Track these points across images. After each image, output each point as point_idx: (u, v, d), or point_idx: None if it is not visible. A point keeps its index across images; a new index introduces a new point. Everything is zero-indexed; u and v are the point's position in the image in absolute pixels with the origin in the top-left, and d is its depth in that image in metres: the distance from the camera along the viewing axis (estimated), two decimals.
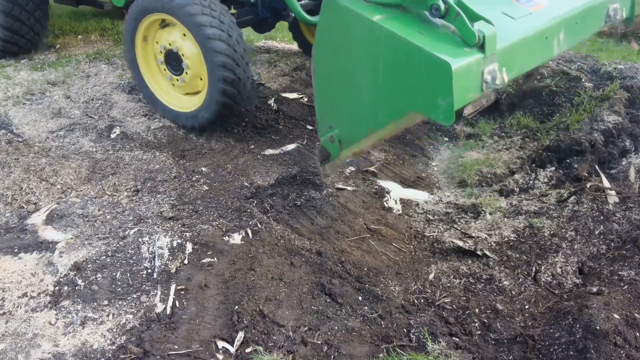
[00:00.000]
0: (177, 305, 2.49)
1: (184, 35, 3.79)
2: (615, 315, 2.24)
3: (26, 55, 5.71)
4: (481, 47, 2.21)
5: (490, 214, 3.28)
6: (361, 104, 2.49)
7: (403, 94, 2.29)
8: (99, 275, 2.66)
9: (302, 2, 4.07)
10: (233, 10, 4.24)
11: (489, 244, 3.00)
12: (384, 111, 2.40)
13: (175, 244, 2.84)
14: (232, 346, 2.29)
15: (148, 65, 4.20)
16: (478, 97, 2.42)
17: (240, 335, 2.32)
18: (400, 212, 3.36)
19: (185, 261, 2.75)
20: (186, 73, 3.91)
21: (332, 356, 2.27)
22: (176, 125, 4.18)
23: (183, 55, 3.85)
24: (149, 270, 2.70)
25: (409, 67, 2.21)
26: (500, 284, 2.71)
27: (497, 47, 2.28)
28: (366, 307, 2.54)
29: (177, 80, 4.03)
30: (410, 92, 2.25)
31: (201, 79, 3.90)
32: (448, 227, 3.20)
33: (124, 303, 2.52)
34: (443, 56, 2.10)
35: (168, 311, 2.46)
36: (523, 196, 3.46)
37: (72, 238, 2.91)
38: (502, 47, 2.32)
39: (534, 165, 3.76)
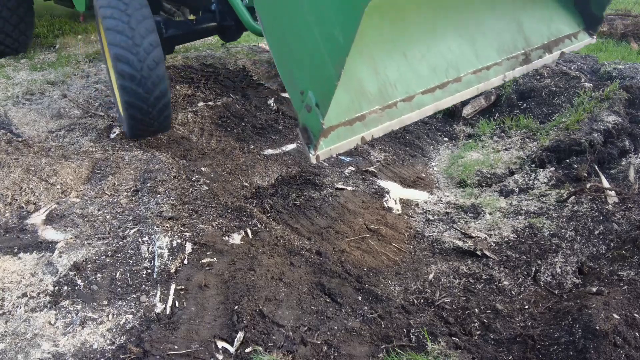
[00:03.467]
0: (177, 305, 2.49)
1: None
2: (615, 316, 2.24)
3: (25, 55, 5.71)
4: None
5: (490, 214, 3.28)
6: (316, 37, 2.04)
7: None
8: (98, 275, 2.66)
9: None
10: (192, 17, 4.02)
11: (489, 244, 3.00)
12: (339, 30, 1.94)
13: (175, 244, 2.84)
14: (232, 346, 2.29)
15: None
16: None
17: (240, 335, 2.32)
18: (400, 212, 3.36)
19: (185, 261, 2.75)
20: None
21: (332, 356, 2.27)
22: None
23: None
24: (149, 270, 2.70)
25: None
26: (500, 284, 2.71)
27: None
28: (366, 307, 2.54)
29: None
30: None
31: None
32: (448, 227, 3.20)
33: (124, 303, 2.52)
34: None
35: (168, 311, 2.46)
36: (523, 196, 3.46)
37: (71, 238, 2.91)
38: None
39: (533, 165, 3.76)
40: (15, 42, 5.59)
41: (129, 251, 2.81)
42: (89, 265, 2.71)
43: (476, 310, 2.54)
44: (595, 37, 3.26)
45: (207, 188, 3.38)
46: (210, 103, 4.66)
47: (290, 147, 4.03)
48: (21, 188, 3.33)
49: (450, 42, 2.67)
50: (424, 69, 2.54)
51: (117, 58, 3.21)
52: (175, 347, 2.27)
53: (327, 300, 2.56)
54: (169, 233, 2.91)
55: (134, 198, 3.28)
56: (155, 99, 3.39)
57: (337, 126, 2.18)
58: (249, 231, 2.95)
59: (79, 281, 2.63)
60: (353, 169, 3.79)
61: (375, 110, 2.29)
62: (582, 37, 3.22)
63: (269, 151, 3.95)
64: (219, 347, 2.29)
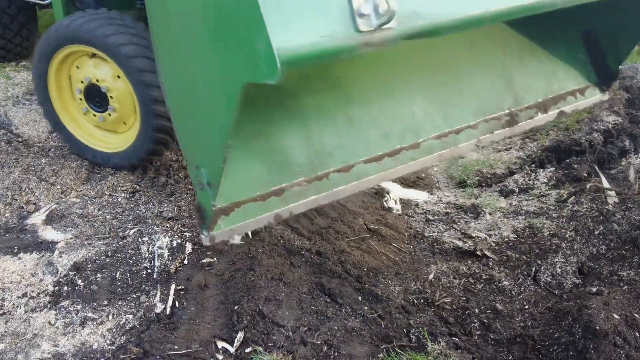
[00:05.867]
0: (177, 305, 2.49)
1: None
2: (615, 316, 2.24)
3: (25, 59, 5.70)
4: None
5: (490, 214, 3.28)
6: (205, 110, 1.76)
7: (224, 56, 1.58)
8: (98, 275, 2.66)
9: None
10: None
11: (489, 244, 3.00)
12: (220, 96, 1.67)
13: (175, 244, 2.84)
14: (232, 346, 2.29)
15: None
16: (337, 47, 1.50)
17: (240, 335, 2.32)
18: (400, 212, 3.36)
19: (185, 261, 2.75)
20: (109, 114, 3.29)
21: (332, 356, 2.27)
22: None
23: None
24: (149, 271, 2.70)
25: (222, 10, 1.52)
26: (500, 284, 2.71)
27: None
28: (366, 307, 2.54)
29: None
30: (230, 50, 1.54)
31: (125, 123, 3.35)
32: (448, 227, 3.20)
33: (124, 303, 2.52)
34: None
35: (168, 311, 2.46)
36: (523, 196, 3.46)
37: (71, 238, 2.91)
38: None
39: (533, 165, 3.76)
40: (17, 48, 5.60)
41: (129, 251, 2.81)
42: (89, 265, 2.71)
43: (476, 310, 2.54)
44: (608, 93, 2.93)
45: None
46: None
47: None
48: (21, 188, 3.33)
49: (413, 104, 2.40)
50: (372, 134, 2.28)
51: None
52: (175, 347, 2.27)
53: (327, 300, 2.56)
54: (169, 233, 2.91)
55: (133, 198, 3.28)
56: None
57: (245, 202, 1.92)
58: (249, 231, 2.95)
59: (79, 281, 2.63)
60: None
61: (299, 183, 2.06)
62: (591, 93, 2.88)
63: None
64: (219, 347, 2.29)
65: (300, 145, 2.10)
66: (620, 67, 2.85)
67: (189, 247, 2.83)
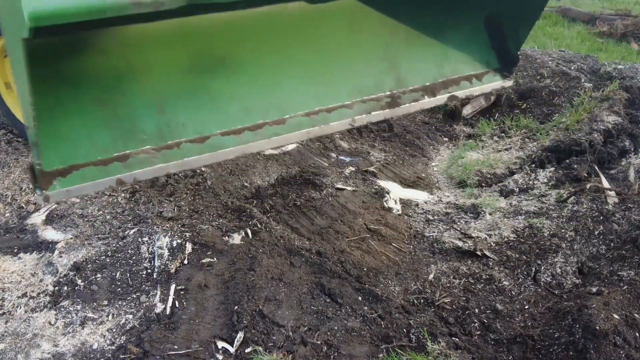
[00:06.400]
0: (177, 305, 2.49)
1: None
2: (615, 316, 2.24)
3: None
4: None
5: (490, 214, 3.28)
6: (14, 62, 1.79)
7: (9, 13, 1.66)
8: (98, 275, 2.67)
9: None
10: None
11: (489, 244, 3.00)
12: (17, 52, 1.68)
13: (175, 244, 2.84)
14: (232, 346, 2.29)
15: None
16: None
17: (240, 335, 2.32)
18: (400, 212, 3.36)
19: (185, 261, 2.75)
20: None
21: (332, 356, 2.27)
22: None
23: None
24: (149, 271, 2.70)
25: None
26: (500, 284, 2.71)
27: None
28: (366, 307, 2.54)
29: None
30: (9, 7, 1.63)
31: None
32: (448, 227, 3.20)
33: (124, 303, 2.52)
34: None
35: (168, 311, 2.46)
36: (523, 196, 3.46)
37: (71, 238, 2.91)
38: None
39: (533, 165, 3.76)
40: None
41: (129, 251, 2.81)
42: (89, 265, 2.71)
43: (476, 310, 2.54)
44: (512, 78, 2.91)
45: (207, 188, 3.38)
46: None
47: (291, 147, 4.03)
48: (21, 188, 3.33)
49: (281, 81, 2.44)
50: (233, 108, 2.33)
51: None
52: (175, 347, 2.27)
53: (327, 300, 2.56)
54: (169, 233, 2.91)
55: (133, 198, 3.28)
56: None
57: (84, 166, 1.97)
58: (249, 231, 2.95)
59: (79, 281, 2.63)
60: (353, 169, 3.79)
61: (146, 151, 2.11)
62: (490, 78, 2.87)
63: (269, 151, 3.95)
64: (219, 347, 2.29)
65: (150, 115, 2.16)
66: (519, 52, 2.84)
67: (189, 247, 2.83)
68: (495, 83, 2.89)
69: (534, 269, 2.79)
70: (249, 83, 2.39)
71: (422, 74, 2.75)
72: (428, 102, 2.73)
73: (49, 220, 3.06)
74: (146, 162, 2.09)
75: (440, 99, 2.76)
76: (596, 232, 2.97)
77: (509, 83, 2.94)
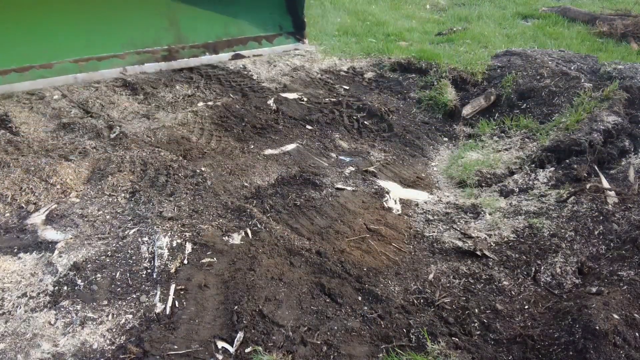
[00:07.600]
0: (177, 305, 2.49)
1: None
2: (615, 316, 2.24)
3: None
4: None
5: (490, 214, 3.28)
6: None
7: None
8: (98, 275, 2.66)
9: None
10: None
11: (489, 244, 3.00)
12: None
13: (175, 244, 2.84)
14: (232, 346, 2.29)
15: None
16: None
17: (240, 335, 2.32)
18: (400, 212, 3.36)
19: (185, 261, 2.75)
20: None
21: (332, 356, 2.27)
22: None
23: None
24: (149, 270, 2.70)
25: None
26: (500, 284, 2.71)
27: None
28: (366, 307, 2.54)
29: None
30: None
31: None
32: (448, 227, 3.20)
33: (124, 303, 2.52)
34: None
35: (168, 311, 2.46)
36: (523, 196, 3.46)
37: (71, 238, 2.91)
38: None
39: (533, 165, 3.76)
40: None
41: (129, 251, 2.81)
42: (88, 265, 2.71)
43: (476, 310, 2.54)
44: (305, 41, 3.13)
45: (207, 188, 3.38)
46: (210, 103, 4.66)
47: (290, 147, 4.03)
48: (21, 188, 3.33)
49: (53, 29, 2.58)
50: None
51: None
52: (175, 347, 2.27)
53: (327, 300, 2.56)
54: (169, 233, 2.91)
55: (133, 198, 3.28)
56: None
57: None
58: (249, 231, 2.95)
59: (78, 281, 2.63)
60: (353, 169, 3.79)
61: None
62: (282, 41, 3.15)
63: (269, 151, 3.95)
64: (219, 347, 2.29)
65: None
66: (303, 17, 3.04)
67: (189, 247, 2.83)
68: (286, 45, 3.15)
69: (533, 269, 2.79)
70: (16, 26, 2.50)
71: (204, 33, 2.94)
72: (208, 58, 2.97)
73: (49, 220, 3.06)
74: None
75: (224, 56, 2.98)
76: (596, 232, 2.97)
77: (303, 47, 3.18)
